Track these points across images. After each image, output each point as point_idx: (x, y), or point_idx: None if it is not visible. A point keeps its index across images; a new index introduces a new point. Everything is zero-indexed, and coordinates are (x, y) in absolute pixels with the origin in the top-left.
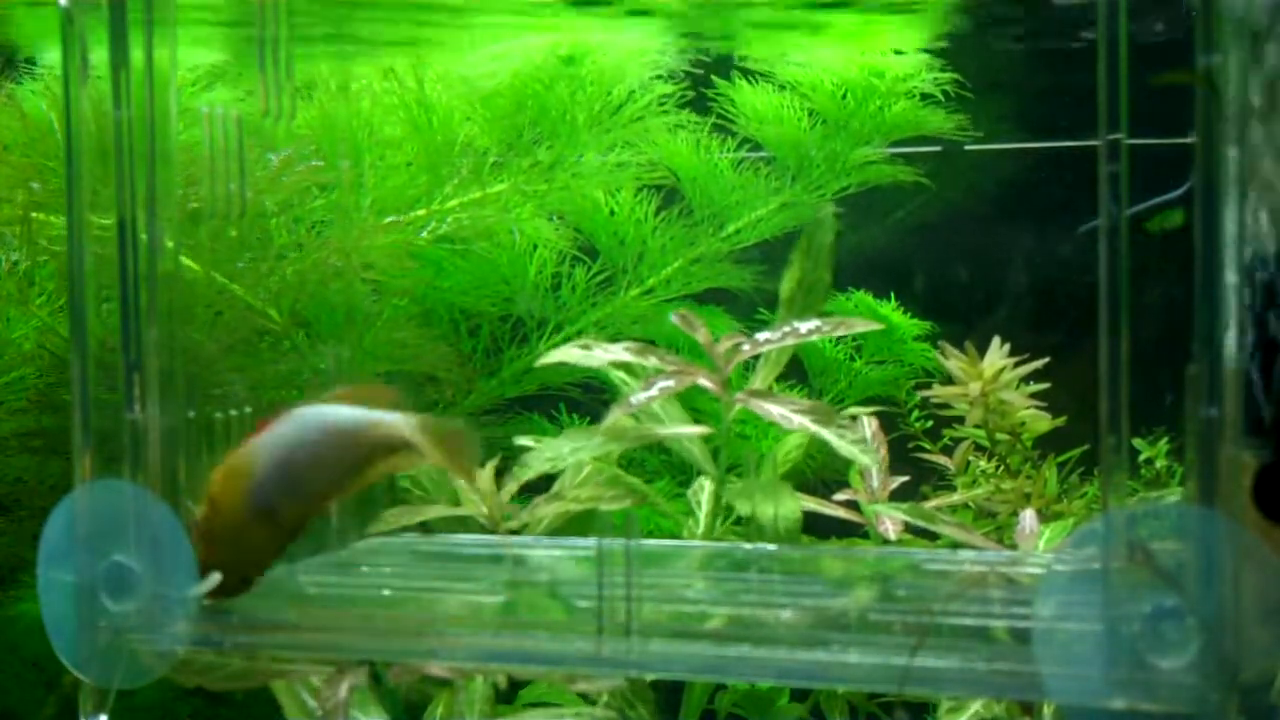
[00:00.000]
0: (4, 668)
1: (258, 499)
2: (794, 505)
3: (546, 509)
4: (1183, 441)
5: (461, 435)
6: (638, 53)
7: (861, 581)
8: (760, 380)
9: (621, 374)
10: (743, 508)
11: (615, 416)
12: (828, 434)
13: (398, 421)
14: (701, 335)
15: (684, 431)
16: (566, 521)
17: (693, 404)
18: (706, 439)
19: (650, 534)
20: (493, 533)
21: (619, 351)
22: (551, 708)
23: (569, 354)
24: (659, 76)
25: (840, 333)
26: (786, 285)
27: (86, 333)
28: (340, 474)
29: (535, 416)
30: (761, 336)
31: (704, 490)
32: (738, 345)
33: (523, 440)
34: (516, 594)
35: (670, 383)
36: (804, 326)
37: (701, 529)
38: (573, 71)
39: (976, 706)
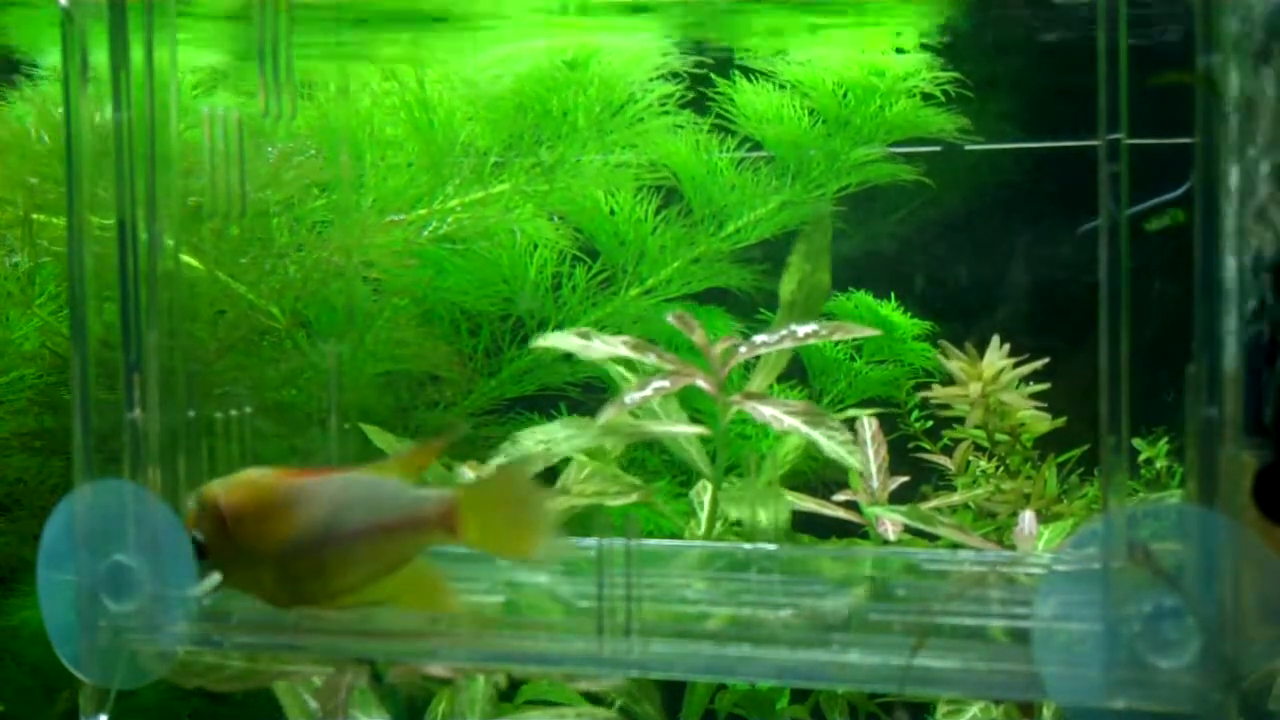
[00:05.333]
0: (7, 676)
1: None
2: (784, 512)
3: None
4: (1183, 441)
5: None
6: (640, 55)
7: (862, 582)
8: (758, 382)
9: (622, 369)
10: (735, 513)
11: (608, 415)
12: (817, 435)
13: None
14: (698, 337)
15: (680, 430)
16: (568, 520)
17: (691, 404)
18: (704, 440)
19: (650, 534)
20: None
21: (618, 345)
22: (553, 706)
23: (568, 342)
24: (660, 77)
25: (837, 338)
26: (786, 288)
27: (86, 333)
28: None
29: (535, 416)
30: (758, 339)
31: (706, 491)
32: (734, 347)
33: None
34: (517, 594)
35: (665, 383)
36: (801, 330)
37: (703, 529)
38: (576, 74)
39: (975, 710)
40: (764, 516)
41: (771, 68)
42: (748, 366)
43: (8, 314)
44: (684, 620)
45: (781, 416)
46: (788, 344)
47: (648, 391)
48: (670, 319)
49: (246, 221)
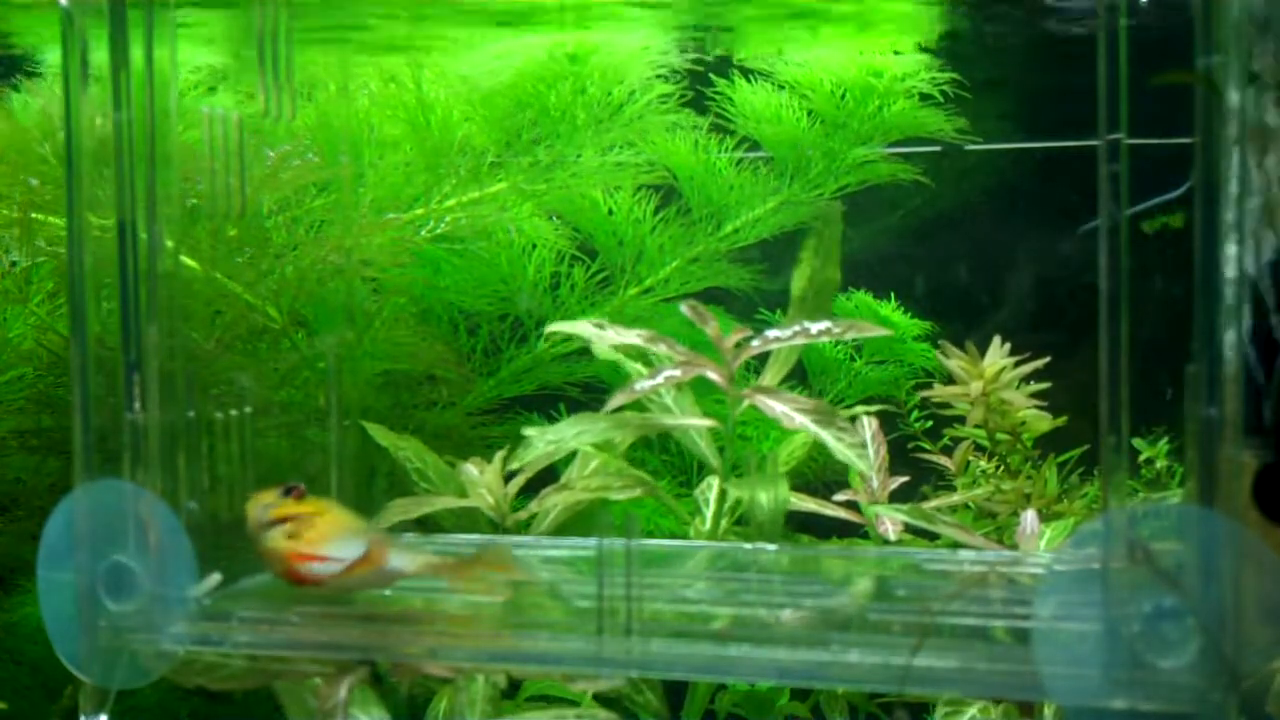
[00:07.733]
0: (7, 676)
1: None
2: (784, 493)
3: (555, 498)
4: (1183, 441)
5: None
6: (640, 52)
7: (862, 581)
8: (769, 378)
9: (638, 366)
10: (739, 494)
11: (618, 402)
12: (826, 435)
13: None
14: (711, 328)
15: (690, 422)
16: (569, 520)
17: (697, 402)
18: (712, 434)
19: (651, 534)
20: (500, 525)
21: (631, 335)
22: (554, 705)
23: (584, 329)
24: (659, 76)
25: (850, 336)
26: (797, 284)
27: (86, 332)
28: None
29: (534, 416)
30: (771, 334)
31: (711, 489)
32: (747, 340)
33: (529, 431)
34: (517, 594)
35: (676, 372)
36: (814, 327)
37: (708, 528)
38: (574, 71)
39: (974, 711)
40: (764, 499)
41: (770, 68)
42: (748, 365)
43: (5, 313)
44: (684, 620)
45: (792, 414)
46: (800, 340)
47: (659, 379)
48: (684, 309)
49: (245, 222)
